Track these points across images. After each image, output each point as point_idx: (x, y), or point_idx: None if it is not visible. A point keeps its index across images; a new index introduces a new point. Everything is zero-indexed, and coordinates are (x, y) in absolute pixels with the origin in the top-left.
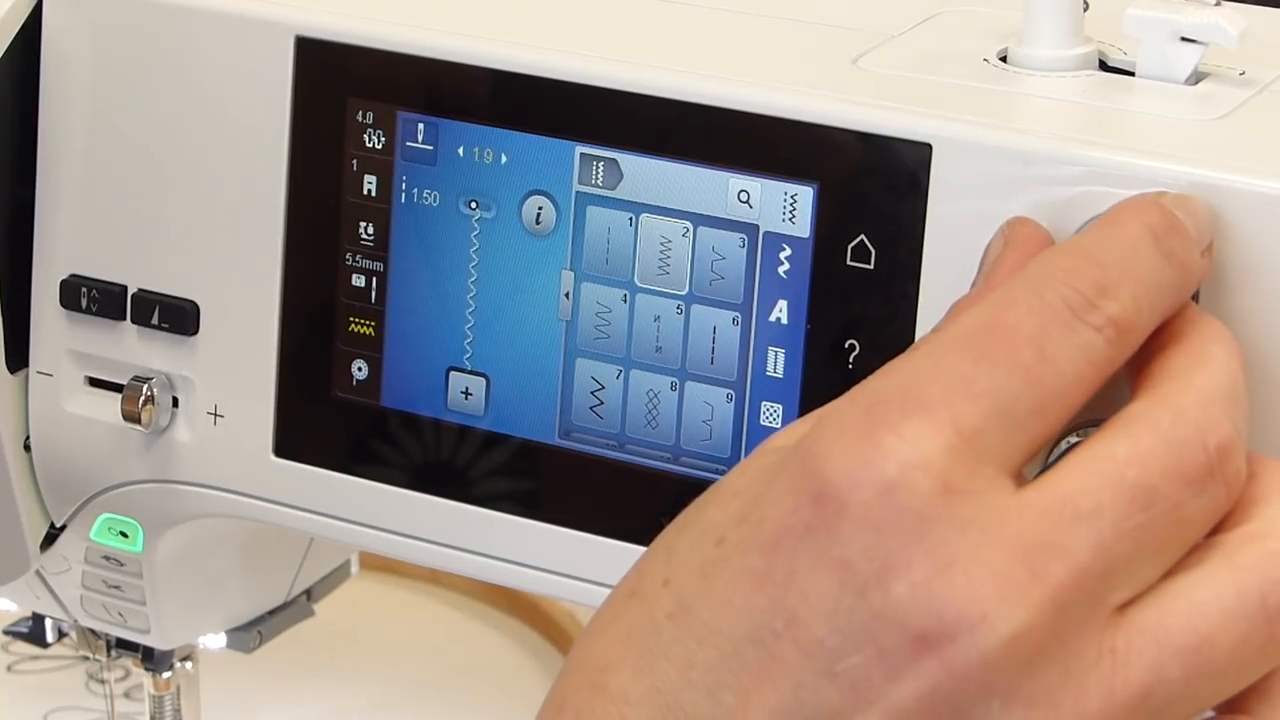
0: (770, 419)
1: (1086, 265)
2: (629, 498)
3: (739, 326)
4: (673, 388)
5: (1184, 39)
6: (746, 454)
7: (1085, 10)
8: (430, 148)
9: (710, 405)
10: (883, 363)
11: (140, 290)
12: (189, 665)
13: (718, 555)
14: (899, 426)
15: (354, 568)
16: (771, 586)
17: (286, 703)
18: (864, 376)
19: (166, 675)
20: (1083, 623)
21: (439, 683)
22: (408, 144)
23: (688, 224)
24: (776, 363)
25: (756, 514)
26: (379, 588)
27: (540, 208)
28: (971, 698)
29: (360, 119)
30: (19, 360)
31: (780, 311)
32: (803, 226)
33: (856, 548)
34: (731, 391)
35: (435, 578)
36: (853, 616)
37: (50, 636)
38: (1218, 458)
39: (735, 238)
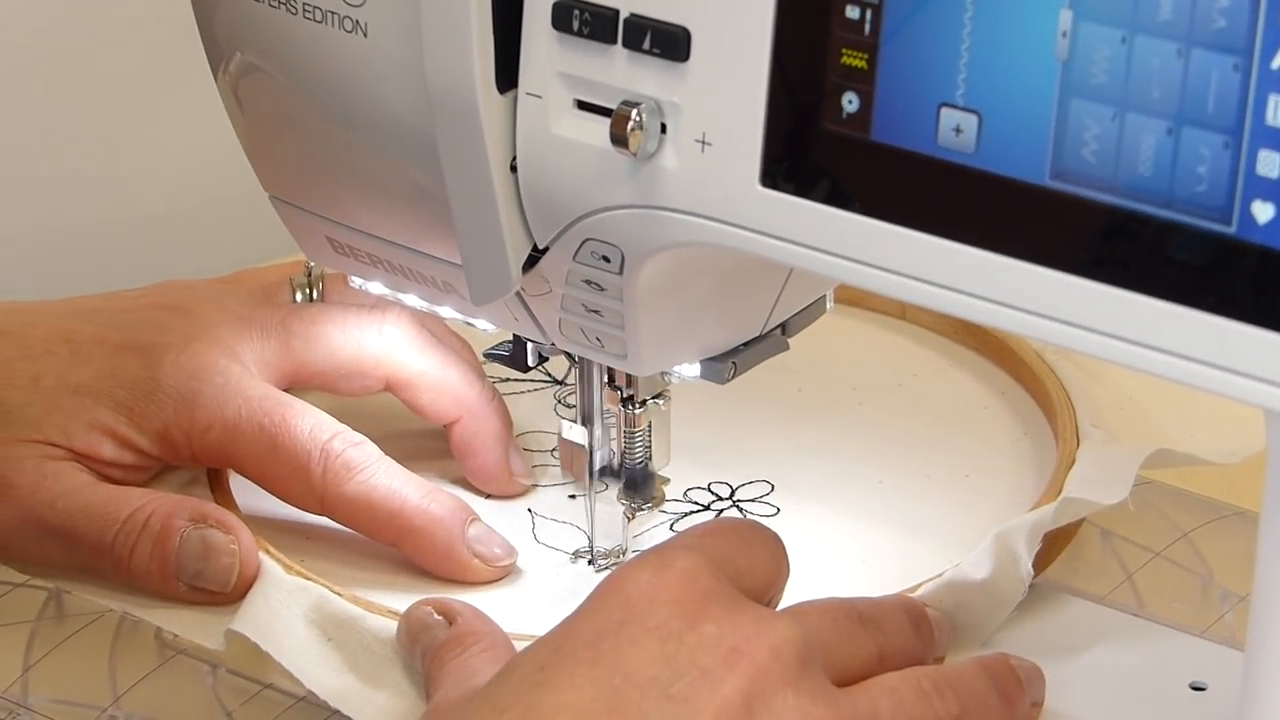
0: (1267, 168)
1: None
2: (1121, 242)
3: (1239, 73)
4: (1169, 133)
5: None
6: (1242, 203)
7: None
8: None
9: (1207, 152)
10: None
11: (633, 14)
12: (661, 403)
13: (541, 678)
14: (676, 552)
15: (829, 303)
16: (602, 663)
17: (755, 436)
18: None
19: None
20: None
21: (903, 420)
22: None
23: None
24: (1277, 111)
25: (568, 642)
26: (849, 322)
27: None
28: (772, 688)
29: None
30: (508, 81)
31: None
32: None
33: (667, 615)
34: (1229, 139)
35: (902, 313)
36: (675, 656)
37: (531, 360)
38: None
39: None
